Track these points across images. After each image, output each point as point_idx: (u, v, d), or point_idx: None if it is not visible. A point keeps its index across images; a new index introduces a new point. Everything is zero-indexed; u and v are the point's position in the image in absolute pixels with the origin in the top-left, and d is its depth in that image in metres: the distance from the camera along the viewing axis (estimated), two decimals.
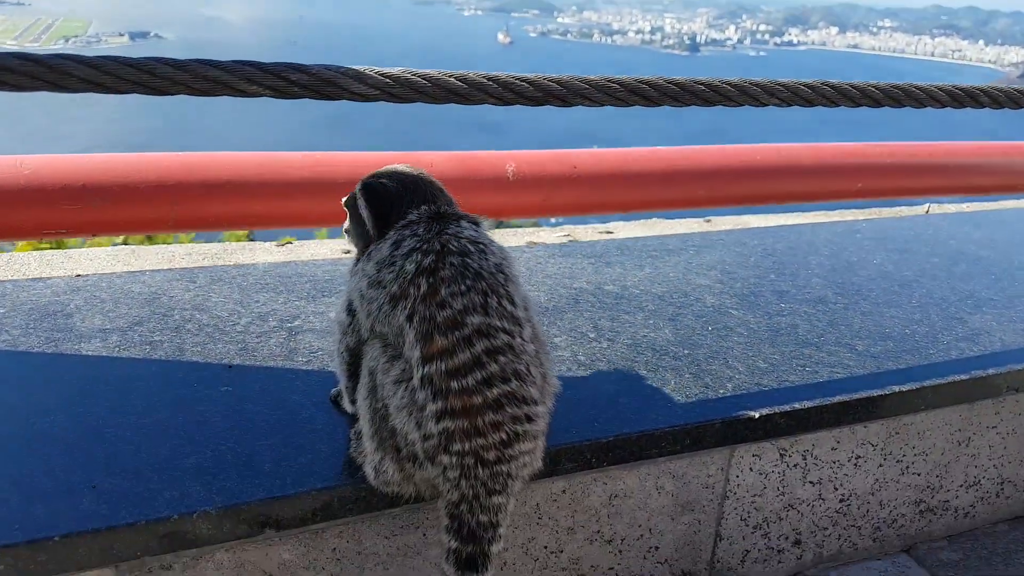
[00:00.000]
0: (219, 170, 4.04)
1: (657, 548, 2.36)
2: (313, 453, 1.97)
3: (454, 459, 1.68)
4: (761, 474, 2.42)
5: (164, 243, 5.58)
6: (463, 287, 1.70)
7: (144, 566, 1.79)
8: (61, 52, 1.73)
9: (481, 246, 1.79)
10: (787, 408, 2.33)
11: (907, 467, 2.65)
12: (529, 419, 1.72)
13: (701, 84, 2.28)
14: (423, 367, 1.67)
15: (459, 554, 1.74)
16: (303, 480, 1.87)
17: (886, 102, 2.53)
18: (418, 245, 1.76)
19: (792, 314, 2.95)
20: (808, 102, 2.44)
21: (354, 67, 1.92)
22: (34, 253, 3.97)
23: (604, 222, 5.22)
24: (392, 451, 1.77)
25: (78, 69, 1.67)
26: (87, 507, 1.75)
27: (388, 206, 1.91)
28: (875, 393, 2.45)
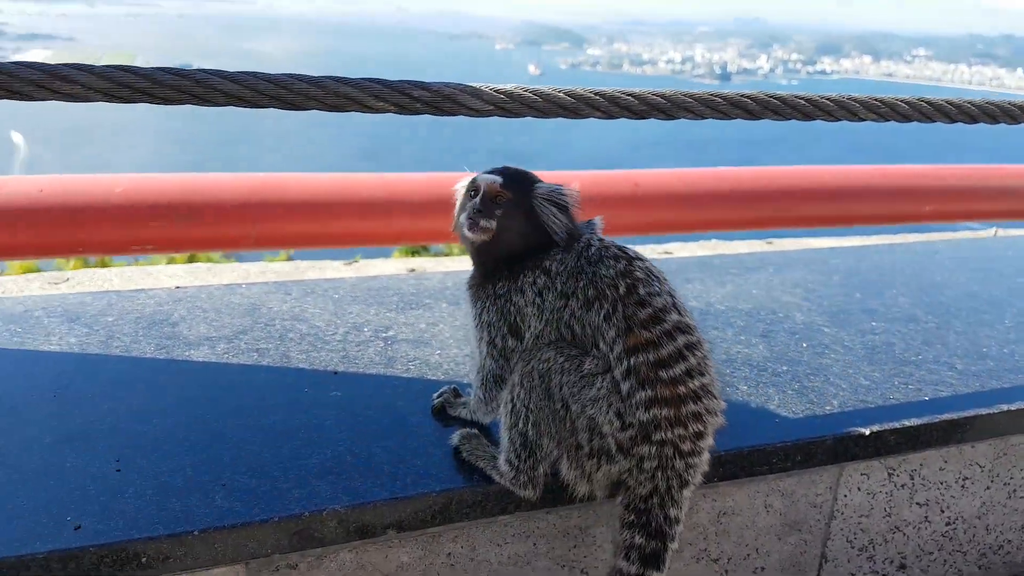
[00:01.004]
0: (299, 190, 4.13)
1: (763, 569, 2.33)
2: (427, 457, 1.98)
3: (654, 449, 1.74)
4: (869, 494, 2.38)
5: (222, 263, 5.66)
6: (655, 288, 1.81)
7: (272, 564, 1.81)
8: (206, 68, 1.79)
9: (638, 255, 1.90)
10: (896, 425, 2.29)
11: (1014, 490, 2.59)
12: (715, 413, 1.80)
13: (802, 99, 2.30)
14: (627, 359, 1.73)
15: (643, 550, 1.76)
16: (422, 482, 1.88)
17: (982, 118, 2.51)
18: (606, 252, 1.86)
19: (885, 332, 2.91)
20: (905, 117, 2.43)
21: (470, 84, 1.96)
22: (112, 269, 4.06)
23: (660, 243, 5.20)
24: (570, 449, 1.80)
25: (223, 84, 1.73)
26: (220, 504, 1.77)
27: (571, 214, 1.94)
28: (983, 412, 2.40)
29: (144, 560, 1.68)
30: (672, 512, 1.79)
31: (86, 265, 4.83)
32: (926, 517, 2.49)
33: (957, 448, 2.44)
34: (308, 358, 2.46)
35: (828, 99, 2.31)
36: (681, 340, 1.77)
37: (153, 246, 3.87)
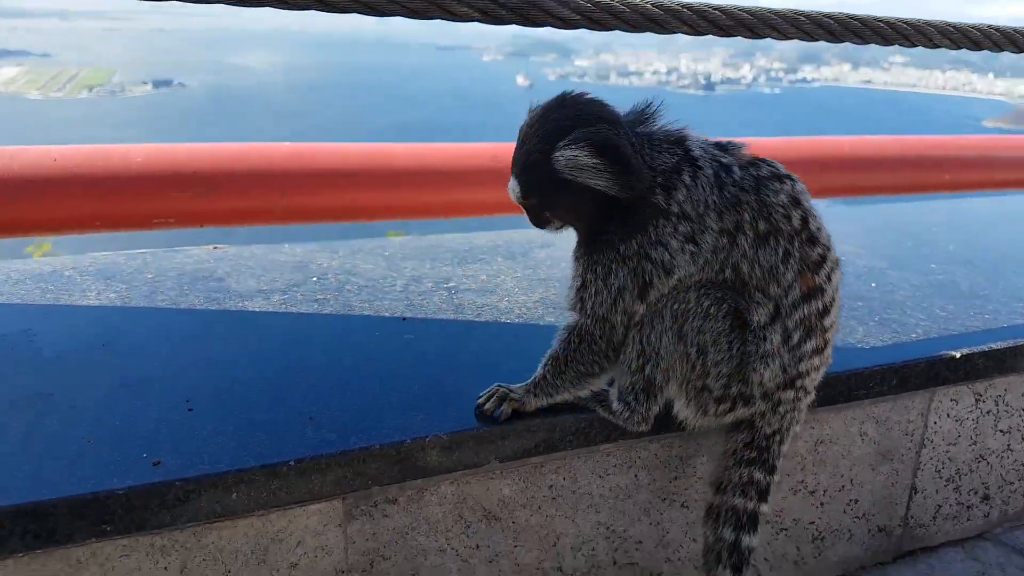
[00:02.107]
0: (330, 160, 4.02)
1: (856, 501, 2.24)
2: None
3: (793, 393, 1.68)
4: (957, 420, 2.30)
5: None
6: (819, 219, 1.66)
7: (371, 498, 1.70)
8: None
9: None
10: (984, 348, 2.23)
11: None
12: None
13: (880, 22, 2.24)
14: (802, 307, 1.61)
15: (759, 485, 1.74)
16: (522, 414, 1.78)
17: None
18: (755, 169, 1.64)
19: (946, 273, 2.85)
20: (976, 44, 2.39)
21: None
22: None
23: None
24: (693, 391, 1.69)
25: None
26: (312, 436, 1.66)
27: (629, 154, 1.57)
28: None
29: (234, 496, 1.56)
30: (784, 447, 1.76)
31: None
32: (1008, 445, 2.42)
33: None
34: (371, 306, 2.35)
35: (906, 23, 2.26)
36: (835, 280, 1.68)
37: (175, 219, 3.73)
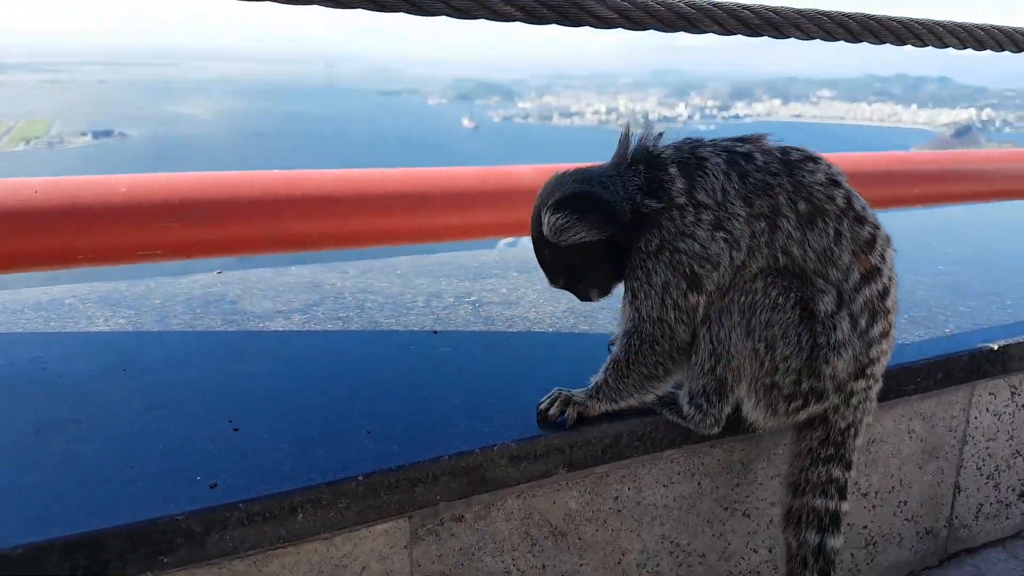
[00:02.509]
0: (321, 186, 3.92)
1: (906, 503, 2.20)
2: None
3: (864, 383, 1.65)
4: (995, 415, 2.29)
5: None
6: (862, 198, 1.64)
7: (438, 516, 1.59)
8: None
9: None
10: (1020, 339, 2.23)
11: None
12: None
13: (895, 22, 2.27)
14: (864, 289, 1.58)
15: (838, 482, 1.69)
16: (586, 420, 1.70)
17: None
18: (780, 152, 1.63)
19: (956, 273, 2.88)
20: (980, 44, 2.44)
21: None
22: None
23: None
24: (761, 389, 1.62)
25: None
26: (373, 450, 1.55)
27: (600, 198, 1.61)
28: None
29: (300, 517, 1.44)
30: (859, 440, 1.72)
31: None
32: None
33: None
34: (398, 322, 2.26)
35: (919, 23, 2.30)
36: (889, 259, 1.66)
37: (163, 251, 3.59)
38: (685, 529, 1.87)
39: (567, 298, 2.45)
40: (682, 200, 1.59)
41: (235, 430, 1.64)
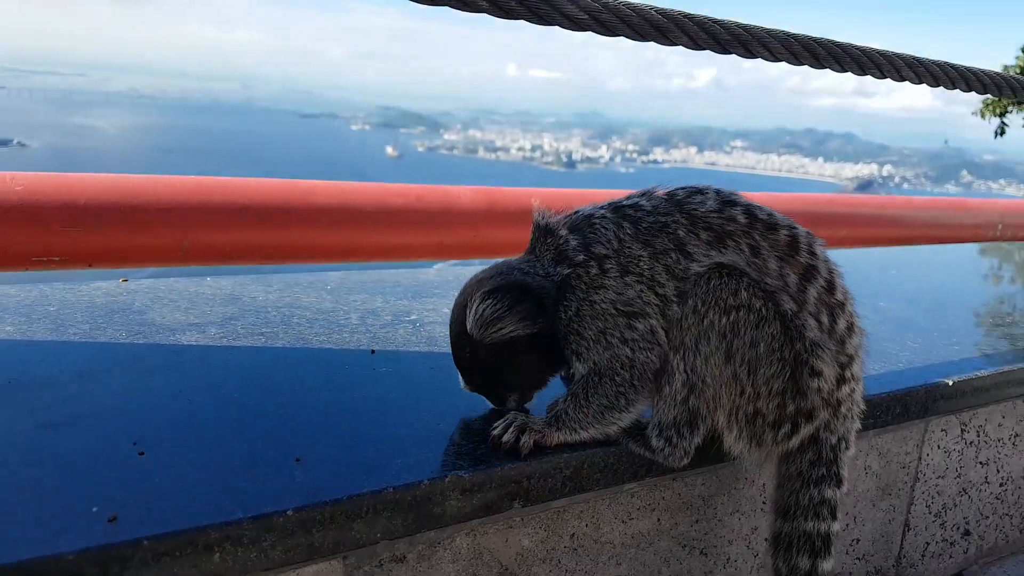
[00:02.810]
0: (239, 195, 3.69)
1: (858, 541, 2.12)
2: None
3: (850, 387, 1.57)
4: (945, 452, 2.25)
5: None
6: (766, 208, 1.60)
7: (376, 557, 1.39)
8: None
9: None
10: (972, 376, 2.20)
11: None
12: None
13: (858, 50, 2.26)
14: (807, 288, 1.51)
15: (831, 503, 1.60)
16: (540, 451, 1.54)
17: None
18: (674, 198, 1.60)
19: (898, 310, 2.87)
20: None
21: None
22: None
23: None
24: (743, 419, 1.52)
25: None
26: (303, 480, 1.35)
27: (527, 285, 1.55)
28: None
29: (217, 557, 1.23)
30: (850, 452, 1.63)
31: None
32: (986, 477, 2.40)
33: (1011, 403, 2.38)
34: (331, 339, 2.06)
35: (880, 53, 2.29)
36: (819, 253, 1.58)
37: (61, 257, 3.28)
38: (642, 568, 1.73)
39: None
40: (580, 257, 1.55)
41: (140, 454, 1.41)
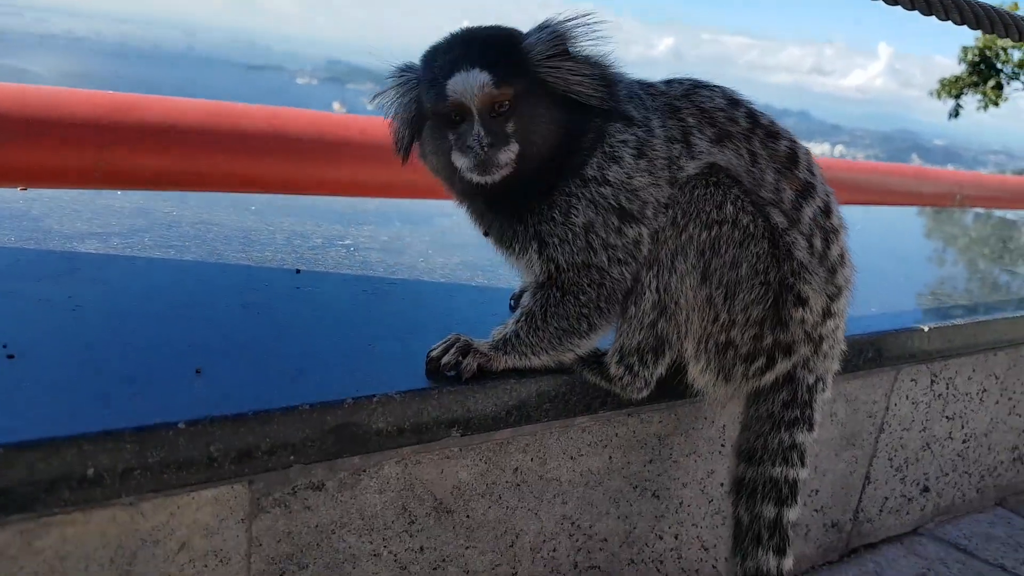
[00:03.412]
0: (160, 114, 3.40)
1: (817, 492, 2.00)
2: None
3: (834, 323, 1.44)
4: (913, 403, 2.14)
5: None
6: (767, 114, 1.44)
7: (289, 483, 1.19)
8: None
9: None
10: (947, 324, 2.09)
11: (1014, 406, 2.48)
12: None
13: None
14: (804, 207, 1.36)
15: (802, 448, 1.48)
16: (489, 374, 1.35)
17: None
18: (678, 84, 1.43)
19: (872, 263, 2.72)
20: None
21: None
22: None
23: None
24: (714, 349, 1.36)
25: None
26: (203, 393, 1.14)
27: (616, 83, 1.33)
28: (1007, 315, 2.27)
29: (91, 471, 1.02)
30: (826, 395, 1.49)
31: None
32: (950, 433, 2.30)
33: (983, 355, 2.28)
34: (249, 256, 1.83)
35: None
36: (817, 173, 1.43)
37: None
38: (589, 509, 1.56)
39: (459, 253, 2.11)
40: (623, 108, 1.31)
41: (10, 357, 1.18)
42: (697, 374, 1.39)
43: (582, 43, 1.28)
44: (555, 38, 1.26)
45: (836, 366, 1.50)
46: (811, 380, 1.44)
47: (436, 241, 2.22)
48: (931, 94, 23.59)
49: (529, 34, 1.28)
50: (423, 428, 1.26)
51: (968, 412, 2.32)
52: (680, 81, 1.44)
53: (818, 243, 1.36)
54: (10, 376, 1.12)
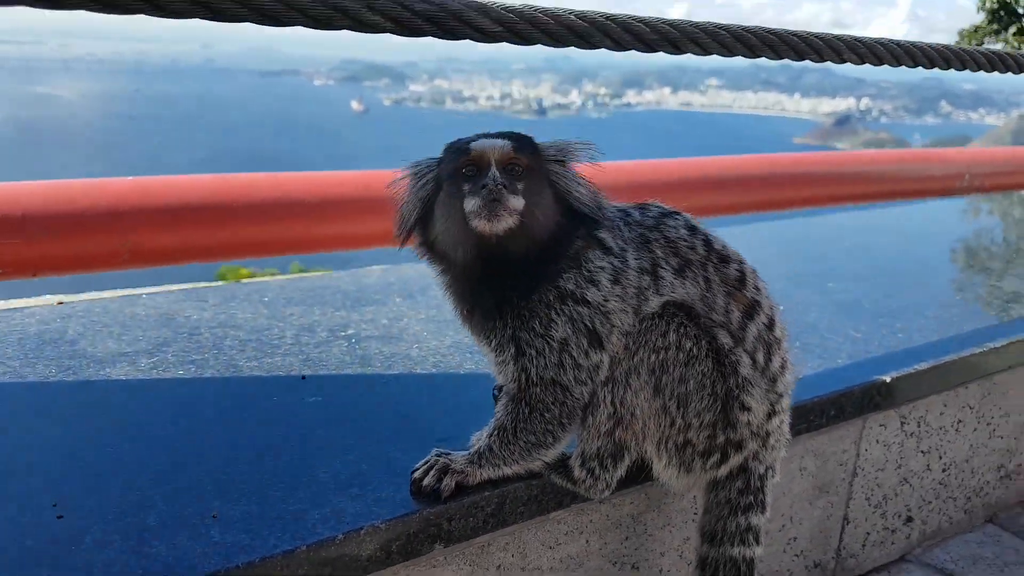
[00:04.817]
0: (177, 194, 3.62)
1: (795, 539, 2.16)
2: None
3: (779, 420, 1.61)
4: (885, 446, 2.28)
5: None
6: (720, 239, 1.62)
7: None
8: None
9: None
10: (910, 371, 2.22)
11: (994, 430, 2.60)
12: None
13: (795, 36, 2.21)
14: (748, 325, 1.54)
15: (757, 530, 1.64)
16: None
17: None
18: (647, 212, 1.61)
19: (846, 292, 2.88)
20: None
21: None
22: None
23: None
24: (673, 449, 1.54)
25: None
26: (220, 540, 1.35)
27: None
28: (975, 351, 2.39)
29: None
30: (776, 479, 1.66)
31: None
32: (928, 465, 2.44)
33: (954, 393, 2.41)
34: (261, 365, 2.04)
35: (819, 37, 2.24)
36: (763, 289, 1.61)
37: (5, 269, 3.23)
38: None
39: (451, 331, 2.29)
40: (604, 238, 1.50)
41: (59, 517, 1.40)
42: (661, 469, 1.58)
43: (582, 161, 1.51)
44: (561, 151, 1.51)
45: (784, 453, 1.67)
46: (762, 469, 1.62)
47: (431, 318, 2.41)
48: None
49: (542, 142, 1.51)
50: (409, 548, 1.46)
51: (944, 444, 2.45)
52: (650, 208, 1.62)
53: (760, 357, 1.54)
54: (61, 541, 1.34)
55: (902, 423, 2.29)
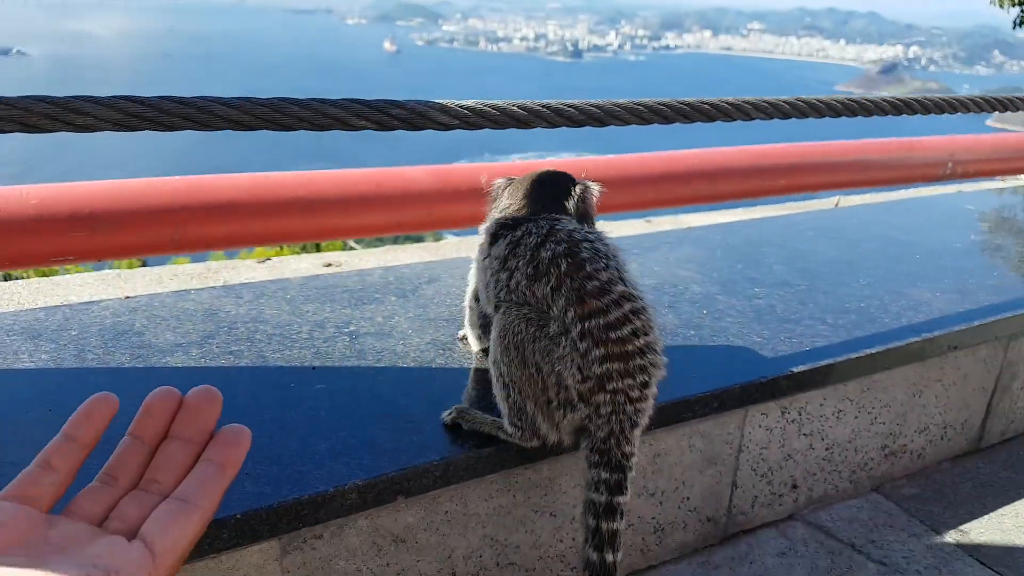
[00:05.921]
0: (219, 192, 4.27)
1: (688, 498, 2.80)
2: (422, 434, 2.29)
3: (608, 396, 2.04)
4: (767, 430, 2.89)
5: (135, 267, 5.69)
6: (601, 264, 2.10)
7: (301, 536, 2.08)
8: (208, 96, 1.97)
9: (598, 236, 2.24)
10: (787, 372, 2.81)
11: (875, 418, 3.19)
12: (658, 367, 2.12)
13: (707, 104, 2.73)
14: (580, 323, 2.03)
15: (608, 482, 2.05)
16: (423, 454, 2.20)
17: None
18: (552, 236, 2.17)
19: (767, 297, 3.45)
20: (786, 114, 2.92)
21: (439, 101, 2.26)
22: (31, 281, 4.09)
23: None
24: (543, 405, 2.12)
25: (222, 110, 1.94)
26: (251, 490, 2.02)
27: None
28: (852, 356, 2.96)
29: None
30: (627, 448, 2.09)
31: None
32: (811, 445, 3.05)
33: (833, 388, 3.00)
34: (283, 356, 2.70)
35: (726, 102, 2.76)
36: (627, 306, 2.08)
37: (74, 256, 3.93)
38: (503, 529, 2.42)
39: (431, 330, 2.93)
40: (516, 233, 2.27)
41: None
42: (540, 424, 2.15)
43: (596, 196, 2.44)
44: (586, 188, 2.43)
45: (636, 432, 2.10)
46: (602, 434, 2.05)
47: (416, 317, 3.04)
48: (992, 3, 22.57)
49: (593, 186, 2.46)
50: (380, 497, 2.12)
51: (826, 429, 3.06)
52: (582, 232, 2.22)
53: (583, 345, 2.02)
54: None
55: (783, 412, 2.90)
